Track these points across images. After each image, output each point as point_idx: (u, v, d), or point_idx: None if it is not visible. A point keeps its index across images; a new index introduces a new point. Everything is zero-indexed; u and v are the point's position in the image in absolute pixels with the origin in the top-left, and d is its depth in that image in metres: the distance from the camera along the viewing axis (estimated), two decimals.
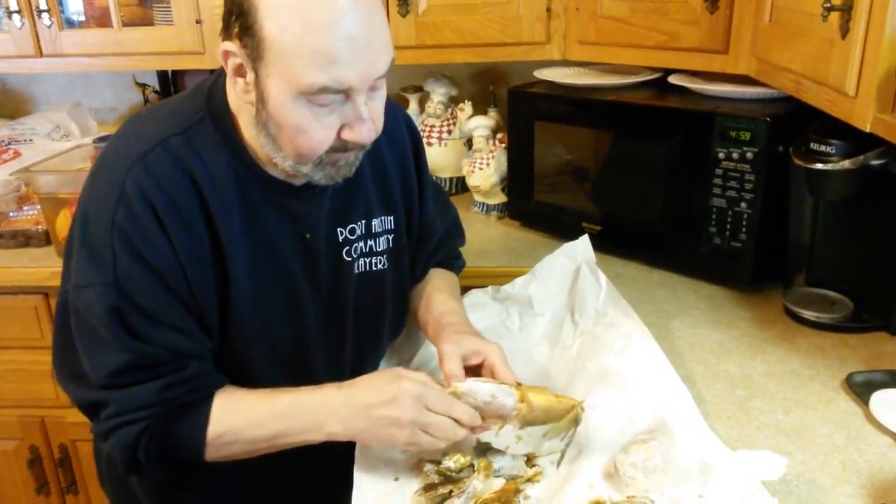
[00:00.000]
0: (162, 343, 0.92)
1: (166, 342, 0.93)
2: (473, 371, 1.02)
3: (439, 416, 0.91)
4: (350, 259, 1.09)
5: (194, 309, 0.95)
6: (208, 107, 0.97)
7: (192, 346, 0.95)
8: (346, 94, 0.88)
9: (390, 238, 1.14)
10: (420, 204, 1.19)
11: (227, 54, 0.89)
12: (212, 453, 0.95)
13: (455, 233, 1.34)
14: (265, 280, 1.00)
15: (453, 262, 1.33)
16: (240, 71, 0.89)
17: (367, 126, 0.91)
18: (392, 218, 1.14)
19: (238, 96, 0.93)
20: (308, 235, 1.03)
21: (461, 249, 1.37)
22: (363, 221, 1.10)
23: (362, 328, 1.14)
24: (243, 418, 0.95)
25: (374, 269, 1.12)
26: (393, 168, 1.14)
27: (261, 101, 0.89)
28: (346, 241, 1.08)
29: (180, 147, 0.93)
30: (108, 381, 0.92)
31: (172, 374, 0.93)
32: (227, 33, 0.89)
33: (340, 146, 0.92)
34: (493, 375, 0.99)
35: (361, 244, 1.10)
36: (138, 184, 0.90)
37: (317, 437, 0.94)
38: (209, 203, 0.94)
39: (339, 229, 1.07)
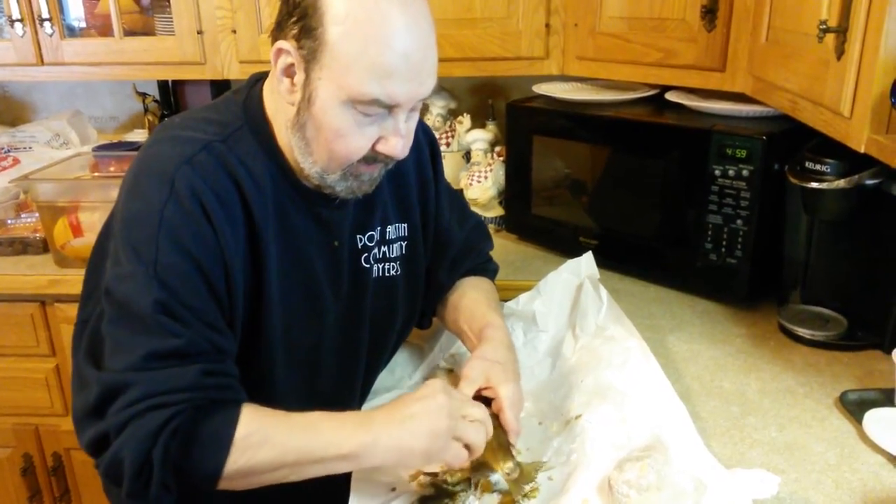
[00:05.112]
0: (204, 336, 0.90)
1: (207, 336, 0.91)
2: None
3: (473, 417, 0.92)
4: (368, 266, 1.11)
5: (226, 310, 0.95)
6: (246, 116, 0.99)
7: (227, 346, 0.95)
8: (391, 108, 0.91)
9: (403, 245, 1.16)
10: (436, 211, 1.21)
11: (279, 52, 0.92)
12: (233, 461, 0.86)
13: (479, 238, 1.32)
14: (292, 285, 1.02)
15: (486, 267, 1.32)
16: (289, 71, 0.92)
17: (403, 142, 0.95)
18: (406, 225, 1.16)
19: (278, 99, 0.96)
20: (336, 243, 1.06)
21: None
22: (379, 228, 1.12)
23: (375, 335, 1.15)
24: (275, 419, 0.90)
25: (388, 274, 1.14)
26: (412, 176, 1.16)
27: (305, 102, 0.92)
28: (365, 248, 1.11)
29: (224, 152, 0.95)
30: (142, 364, 0.86)
31: (212, 363, 0.90)
32: (281, 33, 0.92)
33: (371, 157, 0.95)
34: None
35: (377, 250, 1.13)
36: (189, 182, 0.91)
37: (360, 436, 0.88)
38: (251, 206, 0.95)
39: (359, 236, 1.10)
